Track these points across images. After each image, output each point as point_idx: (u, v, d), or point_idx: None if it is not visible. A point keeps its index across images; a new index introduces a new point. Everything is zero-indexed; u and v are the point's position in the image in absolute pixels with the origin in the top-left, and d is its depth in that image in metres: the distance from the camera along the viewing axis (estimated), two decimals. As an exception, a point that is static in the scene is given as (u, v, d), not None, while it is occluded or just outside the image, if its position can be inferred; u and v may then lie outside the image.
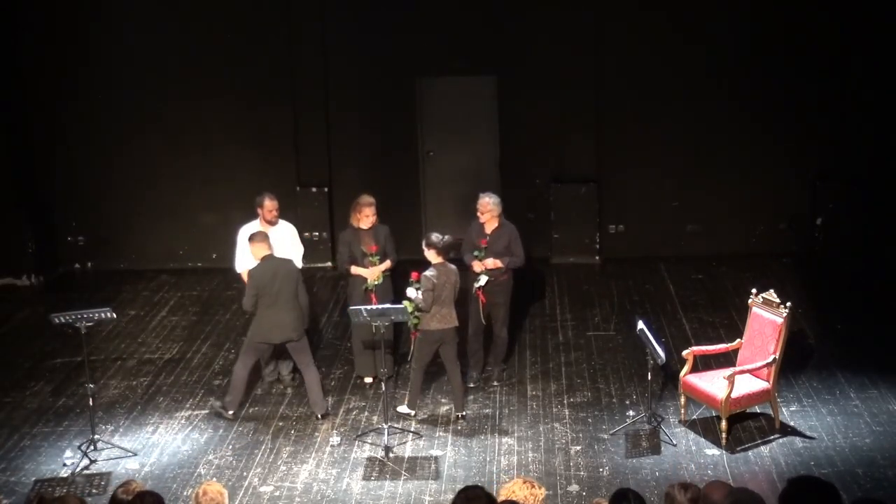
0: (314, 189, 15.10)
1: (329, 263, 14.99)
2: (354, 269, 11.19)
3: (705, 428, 10.12)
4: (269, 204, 11.19)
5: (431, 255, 10.39)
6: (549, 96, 14.73)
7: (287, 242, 11.22)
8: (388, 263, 11.21)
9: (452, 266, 10.46)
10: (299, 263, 11.16)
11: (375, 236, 11.18)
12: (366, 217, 11.16)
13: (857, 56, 14.24)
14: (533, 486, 6.43)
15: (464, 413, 10.55)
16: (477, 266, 11.02)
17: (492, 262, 11.01)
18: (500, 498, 6.37)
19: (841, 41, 14.27)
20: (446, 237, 10.50)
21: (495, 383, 11.24)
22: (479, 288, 11.03)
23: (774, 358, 9.87)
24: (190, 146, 15.11)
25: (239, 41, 14.84)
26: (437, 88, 15.19)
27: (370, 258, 11.13)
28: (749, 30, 14.49)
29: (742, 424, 10.08)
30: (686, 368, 10.24)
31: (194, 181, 15.18)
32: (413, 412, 10.59)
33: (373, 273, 11.12)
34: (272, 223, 11.19)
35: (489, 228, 11.16)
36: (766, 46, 14.46)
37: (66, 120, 15.03)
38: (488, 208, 11.11)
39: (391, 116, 15.13)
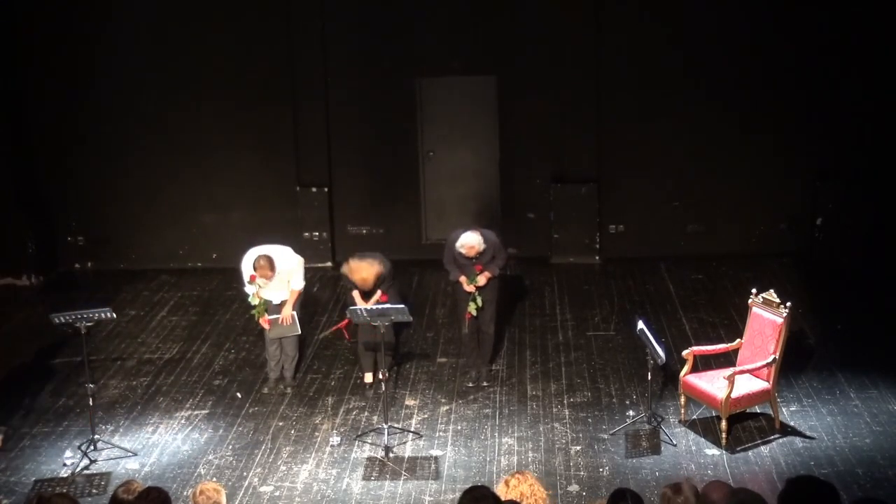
0: (314, 189, 15.09)
1: (329, 263, 15.00)
2: (357, 298, 11.24)
3: (705, 428, 10.11)
4: (259, 272, 10.89)
5: None
6: (549, 96, 14.72)
7: (286, 283, 11.12)
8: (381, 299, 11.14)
9: None
10: (299, 284, 11.16)
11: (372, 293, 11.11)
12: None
13: (857, 56, 14.23)
14: (533, 486, 6.39)
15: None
16: (469, 287, 11.00)
17: (483, 280, 11.01)
18: (504, 487, 6.36)
19: (841, 41, 14.25)
20: None
21: (484, 384, 11.22)
22: (477, 309, 11.03)
23: (774, 358, 9.87)
24: (190, 146, 15.10)
25: (239, 41, 14.83)
26: (437, 88, 15.18)
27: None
28: (749, 29, 14.47)
29: (742, 424, 10.08)
30: (686, 368, 10.24)
31: (194, 181, 15.18)
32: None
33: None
34: (268, 279, 10.99)
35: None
36: (766, 46, 14.45)
37: (66, 120, 15.02)
38: (476, 251, 10.92)
39: (391, 116, 15.11)
